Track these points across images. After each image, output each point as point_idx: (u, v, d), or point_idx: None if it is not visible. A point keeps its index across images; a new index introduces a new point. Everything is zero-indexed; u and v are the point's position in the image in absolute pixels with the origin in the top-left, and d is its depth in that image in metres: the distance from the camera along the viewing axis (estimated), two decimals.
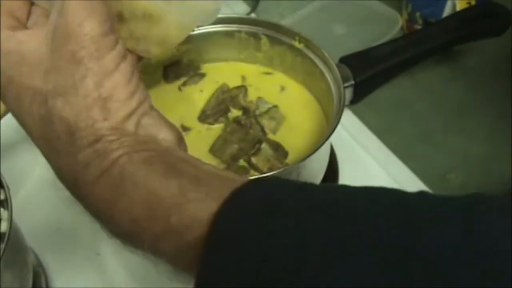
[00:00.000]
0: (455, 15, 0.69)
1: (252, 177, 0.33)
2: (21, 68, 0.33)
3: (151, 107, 0.36)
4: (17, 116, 0.35)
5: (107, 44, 0.33)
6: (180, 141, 0.37)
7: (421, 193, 0.31)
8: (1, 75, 0.34)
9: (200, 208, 0.31)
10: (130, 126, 0.34)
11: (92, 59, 0.32)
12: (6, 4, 0.36)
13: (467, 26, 0.66)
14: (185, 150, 0.37)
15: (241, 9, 0.87)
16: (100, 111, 0.33)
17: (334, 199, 0.30)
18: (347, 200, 0.31)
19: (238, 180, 0.33)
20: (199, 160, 0.35)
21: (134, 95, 0.34)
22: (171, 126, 0.36)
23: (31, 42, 0.34)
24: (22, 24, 0.36)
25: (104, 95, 0.33)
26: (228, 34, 0.63)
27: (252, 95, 0.63)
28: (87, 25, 0.32)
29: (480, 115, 0.75)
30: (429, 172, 0.68)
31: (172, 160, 0.34)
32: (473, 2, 0.73)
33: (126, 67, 0.34)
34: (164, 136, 0.35)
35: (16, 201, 0.61)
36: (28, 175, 0.65)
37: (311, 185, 0.33)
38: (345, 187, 0.33)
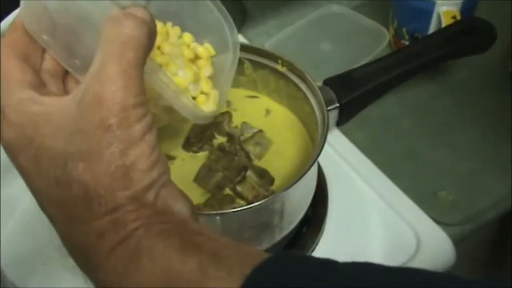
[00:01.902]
0: (439, 32, 0.69)
1: (270, 255, 0.32)
2: (44, 129, 0.33)
3: (170, 179, 0.35)
4: (28, 177, 0.34)
5: (136, 115, 0.33)
6: (194, 212, 0.36)
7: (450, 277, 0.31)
8: (20, 136, 0.34)
9: (221, 287, 0.31)
10: (150, 196, 0.33)
11: (120, 127, 0.32)
12: (21, 51, 0.37)
13: (452, 43, 0.65)
14: (198, 221, 0.37)
15: None
16: (122, 180, 0.32)
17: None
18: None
19: (257, 254, 0.32)
20: (214, 232, 0.35)
21: (155, 166, 0.34)
22: (186, 197, 0.36)
23: (58, 104, 0.34)
24: (39, 77, 0.37)
25: (128, 163, 0.32)
26: None
27: (236, 120, 0.63)
28: (122, 95, 0.32)
29: (469, 130, 0.75)
30: (420, 190, 0.68)
31: (189, 233, 0.34)
32: (458, 17, 0.73)
33: (151, 138, 0.34)
34: (180, 207, 0.35)
35: (4, 234, 0.62)
36: (13, 208, 0.64)
37: (336, 266, 0.32)
38: (371, 270, 0.32)
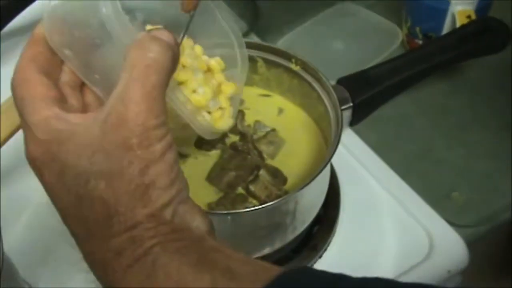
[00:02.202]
0: (453, 32, 0.68)
1: (283, 270, 0.33)
2: (68, 147, 0.34)
3: (188, 196, 0.36)
4: (52, 193, 0.35)
5: (157, 135, 0.33)
6: (211, 228, 0.37)
7: None
8: (46, 152, 0.34)
9: None
10: (168, 214, 0.34)
11: (141, 147, 0.33)
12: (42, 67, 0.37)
13: (466, 43, 0.64)
14: (215, 237, 0.37)
15: (240, 28, 0.86)
16: (141, 198, 0.33)
17: None
18: None
19: (271, 270, 0.33)
20: (230, 248, 0.35)
21: (174, 183, 0.34)
22: (204, 214, 0.37)
23: (82, 123, 0.34)
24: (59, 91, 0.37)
25: (147, 182, 0.33)
26: None
27: (249, 119, 0.63)
28: (144, 116, 0.33)
29: (483, 130, 0.74)
30: (433, 190, 0.68)
31: (205, 249, 0.34)
32: (473, 17, 0.72)
33: (170, 156, 0.34)
34: (198, 224, 0.36)
35: (13, 232, 0.62)
36: (25, 204, 0.64)
37: (348, 281, 0.33)
38: (383, 285, 0.33)
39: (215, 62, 0.50)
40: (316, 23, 0.89)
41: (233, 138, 0.60)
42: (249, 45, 0.62)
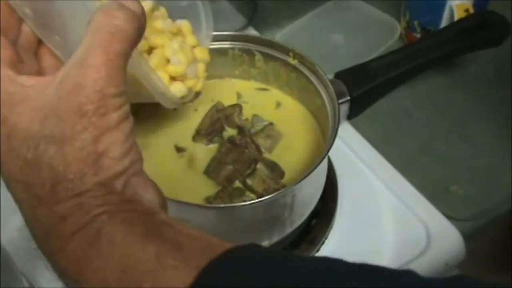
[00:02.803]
0: (452, 26, 0.68)
1: (232, 246, 0.32)
2: (20, 109, 0.33)
3: (141, 169, 0.35)
4: (0, 158, 0.34)
5: (115, 103, 0.33)
6: (164, 204, 0.36)
7: (407, 274, 0.30)
8: None
9: (175, 277, 0.30)
10: (119, 184, 0.33)
11: (97, 114, 0.32)
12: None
13: (465, 37, 0.64)
14: (167, 213, 0.37)
15: (238, 21, 0.87)
16: (92, 165, 0.32)
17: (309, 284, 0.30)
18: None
19: (221, 246, 0.32)
20: (182, 223, 0.34)
21: (128, 154, 0.34)
22: (157, 188, 0.36)
23: (36, 86, 0.34)
24: (15, 51, 0.36)
25: (100, 150, 0.32)
26: (222, 52, 0.63)
27: (247, 112, 0.63)
28: (103, 83, 0.32)
29: (483, 124, 0.74)
30: (431, 184, 0.68)
31: (154, 222, 0.33)
32: (471, 11, 0.72)
33: (126, 126, 0.34)
34: (150, 198, 0.35)
35: (11, 225, 0.62)
36: None
37: (291, 261, 0.32)
38: (325, 267, 0.31)
39: (185, 26, 0.49)
40: (315, 16, 0.88)
41: (231, 132, 0.60)
42: (247, 39, 0.63)
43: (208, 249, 0.32)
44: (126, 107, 0.34)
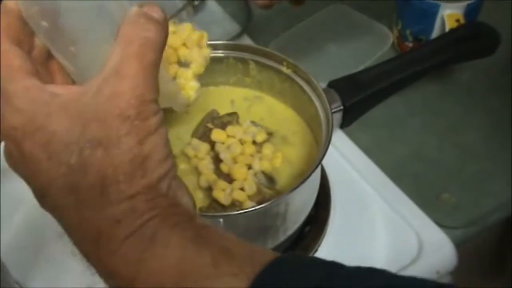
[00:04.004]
0: (443, 36, 0.69)
1: (279, 254, 0.34)
2: (57, 117, 0.33)
3: (177, 173, 0.36)
4: (34, 163, 0.34)
5: (152, 109, 0.34)
6: (196, 206, 0.37)
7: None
8: (28, 122, 0.34)
9: (233, 283, 0.31)
10: (163, 187, 0.34)
11: (138, 118, 0.33)
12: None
13: (457, 47, 0.65)
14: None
15: (233, 29, 0.87)
16: (140, 168, 0.33)
17: None
18: None
19: (266, 253, 0.33)
20: (216, 226, 0.35)
21: (169, 157, 0.35)
22: (190, 192, 0.37)
23: (69, 95, 0.34)
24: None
25: (145, 153, 0.33)
26: (216, 60, 0.63)
27: (241, 120, 0.63)
28: (141, 90, 0.34)
29: (474, 131, 0.75)
30: (423, 191, 0.68)
31: (199, 226, 0.34)
32: (462, 21, 0.73)
33: (164, 130, 0.35)
34: (187, 201, 0.36)
35: (4, 233, 0.62)
36: (17, 205, 0.64)
37: (343, 267, 0.33)
38: (378, 274, 0.33)
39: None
40: (308, 25, 0.89)
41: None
42: (241, 48, 0.63)
43: (256, 256, 0.33)
44: (162, 113, 0.35)
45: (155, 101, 0.34)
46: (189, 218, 0.35)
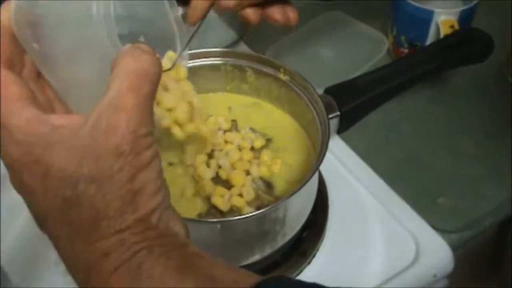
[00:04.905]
0: (438, 42, 0.70)
1: (262, 278, 0.34)
2: (56, 149, 0.34)
3: (170, 203, 0.37)
4: (32, 195, 0.35)
5: (146, 143, 0.35)
6: (188, 235, 0.38)
7: None
8: (27, 154, 0.34)
9: None
10: (154, 219, 0.35)
11: (131, 154, 0.34)
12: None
13: (450, 53, 0.66)
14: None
15: (229, 36, 0.88)
16: (130, 203, 0.34)
17: None
18: None
19: (251, 277, 0.34)
20: (208, 254, 0.36)
21: (161, 190, 0.35)
22: (183, 221, 0.38)
23: (68, 126, 0.35)
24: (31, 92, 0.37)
25: (136, 188, 0.34)
26: (214, 68, 0.64)
27: (240, 127, 0.64)
28: (136, 124, 0.34)
29: (468, 136, 0.76)
30: (419, 196, 0.69)
31: (188, 255, 0.35)
32: (456, 26, 0.74)
33: (157, 164, 0.36)
34: (179, 230, 0.37)
35: (5, 240, 0.62)
36: (18, 213, 0.64)
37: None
38: None
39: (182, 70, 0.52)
40: (305, 31, 0.90)
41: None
42: (238, 55, 0.64)
43: (240, 281, 0.34)
44: (156, 145, 0.36)
45: (150, 134, 0.35)
46: (179, 246, 0.35)
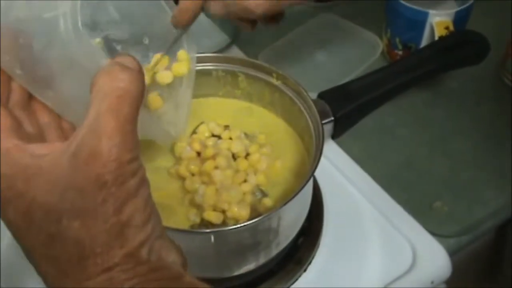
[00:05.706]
0: (433, 45, 0.69)
1: None
2: (36, 183, 0.32)
3: (162, 230, 0.35)
4: (17, 231, 0.33)
5: (132, 169, 0.32)
6: (186, 263, 0.36)
7: None
8: (9, 188, 0.32)
9: None
10: (144, 252, 0.33)
11: (115, 184, 0.31)
12: None
13: (446, 55, 0.65)
14: (187, 269, 0.37)
15: (221, 40, 0.87)
16: (117, 237, 0.32)
17: None
18: None
19: None
20: (204, 284, 0.34)
21: (150, 219, 0.33)
22: (178, 248, 0.36)
23: (49, 156, 0.33)
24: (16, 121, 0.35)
25: (123, 220, 0.32)
26: (206, 73, 0.63)
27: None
28: (118, 151, 0.31)
29: (465, 140, 0.75)
30: (416, 201, 0.68)
31: (185, 286, 0.33)
32: (451, 28, 0.73)
33: (144, 191, 0.33)
34: (173, 259, 0.35)
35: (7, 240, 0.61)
36: None
37: None
38: None
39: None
40: (298, 34, 0.89)
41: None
42: (230, 60, 0.63)
43: None
44: (142, 171, 0.33)
45: (135, 159, 0.32)
46: (174, 279, 0.34)
